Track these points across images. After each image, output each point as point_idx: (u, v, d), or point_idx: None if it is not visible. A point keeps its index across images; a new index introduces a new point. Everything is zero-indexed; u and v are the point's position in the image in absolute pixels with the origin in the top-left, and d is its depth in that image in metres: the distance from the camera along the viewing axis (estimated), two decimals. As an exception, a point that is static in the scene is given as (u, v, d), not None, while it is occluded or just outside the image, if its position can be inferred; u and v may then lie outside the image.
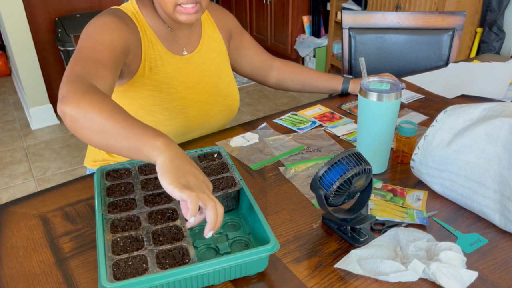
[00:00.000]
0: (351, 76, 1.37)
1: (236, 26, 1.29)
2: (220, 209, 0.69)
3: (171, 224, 0.76)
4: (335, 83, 1.36)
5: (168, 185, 0.67)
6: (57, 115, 3.17)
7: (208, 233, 0.68)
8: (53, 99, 3.14)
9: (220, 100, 1.21)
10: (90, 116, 0.76)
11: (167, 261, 0.69)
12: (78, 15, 2.92)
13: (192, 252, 0.70)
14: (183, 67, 1.15)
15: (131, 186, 0.86)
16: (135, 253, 0.70)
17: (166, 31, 1.12)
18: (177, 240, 0.73)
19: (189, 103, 1.15)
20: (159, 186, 0.85)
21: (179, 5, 1.01)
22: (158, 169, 0.69)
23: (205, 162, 0.92)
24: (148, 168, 0.91)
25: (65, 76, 0.83)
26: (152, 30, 1.09)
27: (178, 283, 0.67)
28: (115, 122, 0.75)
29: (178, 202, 0.80)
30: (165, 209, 0.79)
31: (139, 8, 1.09)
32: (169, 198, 0.82)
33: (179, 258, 0.69)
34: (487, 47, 2.98)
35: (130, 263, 0.68)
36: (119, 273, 0.67)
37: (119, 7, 1.08)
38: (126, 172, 0.90)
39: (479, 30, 3.03)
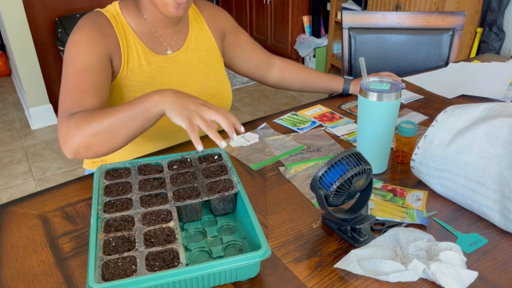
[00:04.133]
0: (351, 77, 1.36)
1: (230, 25, 1.28)
2: (224, 116, 0.84)
3: (164, 225, 0.75)
4: (336, 84, 1.36)
5: (181, 124, 0.83)
6: (57, 115, 3.17)
7: (232, 136, 0.83)
8: (53, 99, 3.14)
9: (208, 99, 1.19)
10: (90, 134, 0.89)
11: (157, 264, 0.68)
12: (78, 15, 2.92)
13: (182, 255, 0.69)
14: (167, 66, 1.14)
15: (129, 186, 0.85)
16: (126, 254, 0.69)
17: (149, 31, 1.12)
18: (169, 242, 0.72)
19: None
20: (157, 187, 0.85)
21: None
22: (169, 115, 0.85)
23: (205, 163, 0.92)
24: (148, 168, 0.91)
25: (59, 115, 0.96)
26: (133, 31, 1.09)
27: (167, 286, 0.66)
28: (112, 116, 0.89)
29: (174, 203, 0.80)
30: (160, 210, 0.79)
31: (121, 10, 1.09)
32: (165, 199, 0.82)
33: (169, 261, 0.69)
34: (487, 47, 2.98)
35: (119, 264, 0.68)
36: (107, 273, 0.66)
37: (101, 10, 1.09)
38: (126, 172, 0.90)
39: (479, 30, 3.03)
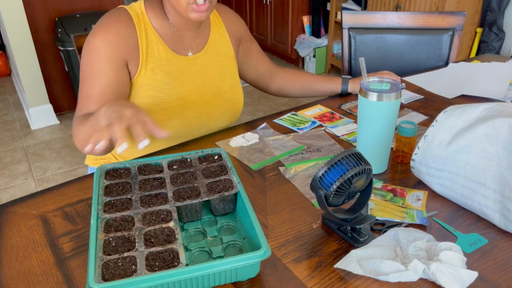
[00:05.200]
0: (349, 77, 1.37)
1: (246, 33, 1.31)
2: (119, 127, 0.75)
3: (164, 226, 0.75)
4: (334, 84, 1.36)
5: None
6: (57, 115, 3.17)
7: (119, 147, 0.74)
8: (53, 99, 3.14)
9: (223, 102, 1.22)
10: (79, 139, 0.97)
11: (157, 264, 0.68)
12: (78, 15, 2.92)
13: (182, 255, 0.69)
14: (187, 68, 1.15)
15: (129, 186, 0.85)
16: (126, 254, 0.69)
17: (172, 32, 1.13)
18: (169, 242, 0.72)
19: (189, 104, 1.16)
20: (157, 187, 0.85)
21: (192, 3, 1.02)
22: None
23: (204, 163, 0.92)
24: (148, 168, 0.91)
25: (75, 116, 1.03)
26: (155, 31, 1.11)
27: (167, 285, 0.66)
28: (85, 126, 0.93)
29: (174, 203, 0.80)
30: (160, 211, 0.79)
31: (145, 9, 1.11)
32: (165, 200, 0.82)
33: (169, 261, 0.69)
34: (487, 47, 2.98)
35: (119, 264, 0.68)
36: (108, 273, 0.66)
37: (125, 7, 1.11)
38: (126, 172, 0.90)
39: (479, 30, 3.03)
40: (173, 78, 1.13)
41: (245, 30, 1.31)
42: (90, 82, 1.04)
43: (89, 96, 1.03)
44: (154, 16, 1.11)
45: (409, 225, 0.84)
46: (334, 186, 0.75)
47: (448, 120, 0.90)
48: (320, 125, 1.21)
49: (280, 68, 1.42)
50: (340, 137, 1.15)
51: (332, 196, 0.76)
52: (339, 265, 0.74)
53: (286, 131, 1.19)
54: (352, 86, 1.35)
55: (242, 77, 1.37)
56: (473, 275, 0.70)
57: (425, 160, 0.91)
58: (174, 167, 0.90)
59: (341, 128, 1.19)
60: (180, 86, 1.14)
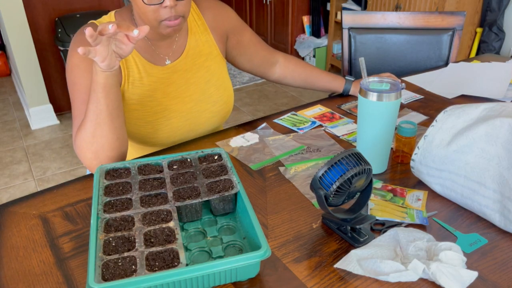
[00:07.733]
0: (353, 78, 1.35)
1: (233, 24, 1.24)
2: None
3: (164, 225, 0.75)
4: (337, 84, 1.35)
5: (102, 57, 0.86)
6: (57, 115, 3.17)
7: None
8: (53, 99, 3.14)
9: (209, 106, 1.18)
10: (88, 141, 0.96)
11: (157, 264, 0.68)
12: (78, 15, 2.92)
13: (182, 255, 0.69)
14: (167, 77, 1.12)
15: (129, 186, 0.85)
16: (126, 254, 0.69)
17: (145, 43, 1.09)
18: (169, 242, 0.72)
19: (173, 114, 1.13)
20: (157, 187, 0.85)
21: (163, 20, 0.99)
22: (99, 65, 0.88)
23: (204, 163, 0.92)
24: (148, 168, 0.91)
25: (73, 138, 1.01)
26: None
27: (167, 285, 0.66)
28: (89, 111, 0.94)
29: (174, 203, 0.80)
30: (160, 211, 0.79)
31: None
32: (165, 199, 0.82)
33: (169, 261, 0.69)
34: (487, 47, 2.98)
35: (119, 264, 0.68)
36: (107, 273, 0.66)
37: (95, 22, 1.06)
38: (126, 172, 0.90)
39: (479, 30, 3.03)
40: (154, 89, 1.10)
41: (232, 21, 1.24)
42: (81, 99, 1.00)
43: (82, 114, 0.99)
44: None
45: (409, 225, 0.84)
46: (334, 186, 0.75)
47: (448, 120, 0.90)
48: (320, 125, 1.21)
49: (281, 55, 1.36)
50: (340, 137, 1.15)
51: (332, 196, 0.76)
52: (339, 265, 0.74)
53: (286, 131, 1.19)
54: (354, 90, 1.34)
55: (237, 67, 1.33)
56: (473, 275, 0.70)
57: (425, 160, 0.91)
58: (174, 167, 0.90)
59: (341, 128, 1.19)
60: (162, 97, 1.11)
